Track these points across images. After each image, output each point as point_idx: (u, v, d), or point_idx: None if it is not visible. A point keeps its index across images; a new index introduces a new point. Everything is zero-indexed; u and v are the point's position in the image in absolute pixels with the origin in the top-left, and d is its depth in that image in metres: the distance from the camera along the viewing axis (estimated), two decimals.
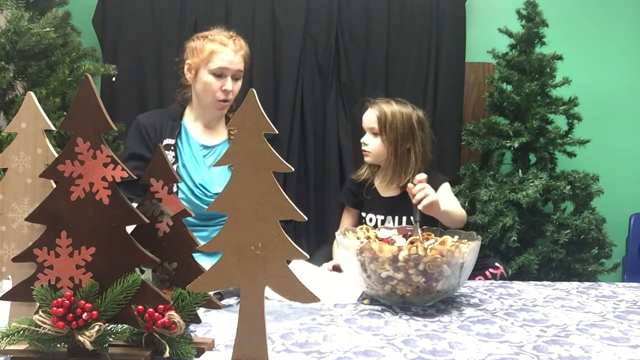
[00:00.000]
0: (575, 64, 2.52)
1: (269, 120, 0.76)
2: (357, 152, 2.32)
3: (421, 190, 1.44)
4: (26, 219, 0.82)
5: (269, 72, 2.46)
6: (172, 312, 0.82)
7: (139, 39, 2.47)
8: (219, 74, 1.70)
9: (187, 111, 1.81)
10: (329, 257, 1.79)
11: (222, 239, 0.78)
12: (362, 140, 1.84)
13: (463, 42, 2.54)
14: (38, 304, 0.80)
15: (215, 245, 0.79)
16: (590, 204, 2.31)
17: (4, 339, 0.77)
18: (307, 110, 2.46)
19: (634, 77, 2.71)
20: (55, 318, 0.77)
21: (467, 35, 2.54)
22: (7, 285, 1.11)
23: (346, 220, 1.94)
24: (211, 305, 0.90)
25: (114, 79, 2.30)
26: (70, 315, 0.77)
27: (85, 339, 0.76)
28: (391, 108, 1.80)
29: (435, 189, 1.74)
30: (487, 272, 1.59)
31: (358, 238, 1.26)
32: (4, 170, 0.89)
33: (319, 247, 2.17)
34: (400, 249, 1.11)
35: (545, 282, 1.43)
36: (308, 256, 0.77)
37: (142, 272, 0.87)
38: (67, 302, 0.77)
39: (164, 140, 1.71)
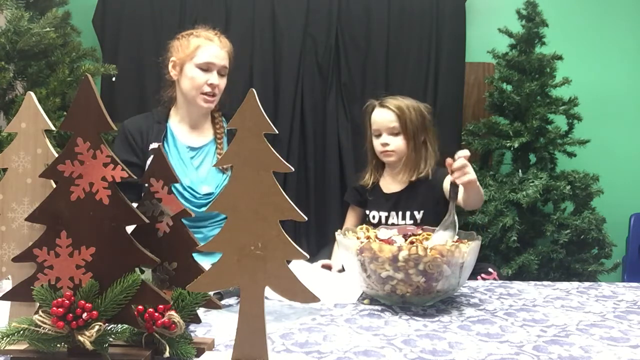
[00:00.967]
0: (575, 64, 2.52)
1: (269, 120, 0.76)
2: (357, 152, 2.33)
3: (463, 166, 1.36)
4: (26, 219, 0.82)
5: (269, 72, 2.46)
6: (172, 312, 0.82)
7: (139, 39, 2.47)
8: (205, 68, 1.70)
9: (172, 113, 1.80)
10: (330, 258, 1.78)
11: (222, 239, 0.78)
12: (383, 141, 1.78)
13: (463, 42, 2.54)
14: (38, 304, 0.80)
15: (215, 245, 0.79)
16: (590, 204, 2.31)
17: (4, 339, 0.77)
18: (307, 110, 2.46)
19: (634, 77, 2.71)
20: (55, 318, 0.77)
21: (467, 35, 2.54)
22: (7, 285, 1.11)
23: (350, 218, 1.93)
24: (211, 305, 0.90)
25: (114, 79, 2.30)
26: (70, 315, 0.77)
27: (85, 339, 0.76)
28: (404, 103, 1.79)
29: (441, 181, 1.74)
30: (479, 277, 1.58)
31: (358, 238, 1.26)
32: (4, 170, 0.89)
33: (319, 247, 2.18)
34: (400, 249, 1.11)
35: (545, 282, 1.43)
36: (308, 256, 0.77)
37: (142, 272, 0.87)
38: (67, 302, 0.77)
39: (150, 145, 1.70)
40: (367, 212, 1.87)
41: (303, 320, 1.08)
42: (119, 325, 0.83)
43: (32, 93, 0.90)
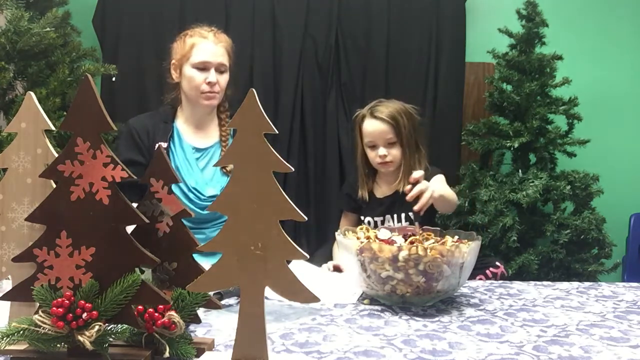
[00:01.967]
0: (575, 64, 2.52)
1: (269, 120, 0.76)
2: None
3: (420, 193, 1.45)
4: (26, 219, 0.82)
5: (269, 72, 2.45)
6: (172, 312, 0.82)
7: (139, 39, 2.47)
8: (202, 67, 1.69)
9: (178, 113, 1.80)
10: (329, 257, 1.78)
11: (222, 239, 0.78)
12: (381, 153, 1.75)
13: (463, 42, 2.53)
14: (38, 304, 0.80)
15: (215, 245, 0.79)
16: (590, 204, 2.31)
17: (4, 339, 0.77)
18: (307, 110, 2.46)
19: (634, 77, 2.70)
20: (55, 318, 0.77)
21: (467, 35, 2.54)
22: (7, 285, 1.11)
23: (344, 225, 1.93)
24: (211, 305, 0.90)
25: (114, 79, 2.30)
26: (70, 315, 0.77)
27: (85, 339, 0.76)
28: (395, 110, 1.76)
29: (429, 179, 1.73)
30: (487, 272, 1.60)
31: (358, 238, 1.26)
32: (4, 170, 0.90)
33: (319, 247, 2.17)
34: (400, 249, 1.11)
35: (545, 282, 1.43)
36: (308, 256, 0.77)
37: (142, 272, 0.87)
38: (67, 302, 0.77)
39: (157, 144, 1.70)
40: (362, 217, 1.86)
41: (303, 320, 1.08)
42: (119, 325, 0.83)
43: (32, 93, 0.90)
